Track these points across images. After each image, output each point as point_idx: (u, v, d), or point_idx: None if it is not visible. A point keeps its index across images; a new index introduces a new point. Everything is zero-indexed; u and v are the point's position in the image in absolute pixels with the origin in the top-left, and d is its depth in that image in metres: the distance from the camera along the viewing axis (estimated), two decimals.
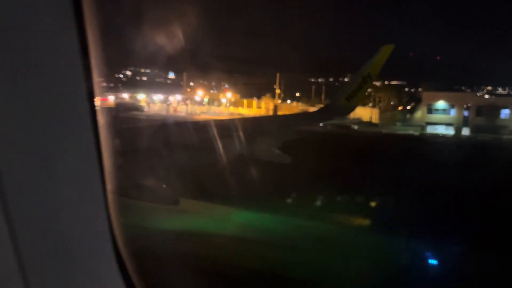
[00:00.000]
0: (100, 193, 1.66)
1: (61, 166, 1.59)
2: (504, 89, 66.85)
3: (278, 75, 63.32)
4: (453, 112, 49.39)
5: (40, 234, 1.59)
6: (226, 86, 66.08)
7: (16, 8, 1.45)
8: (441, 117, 49.31)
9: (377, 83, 67.22)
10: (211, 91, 66.69)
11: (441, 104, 49.96)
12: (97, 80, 1.66)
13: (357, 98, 11.69)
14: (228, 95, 63.89)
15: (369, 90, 72.65)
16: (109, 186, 1.71)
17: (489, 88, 67.42)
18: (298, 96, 69.90)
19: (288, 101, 65.52)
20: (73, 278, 1.67)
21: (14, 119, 1.49)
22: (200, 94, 64.08)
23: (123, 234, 1.85)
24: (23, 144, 1.51)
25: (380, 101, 68.25)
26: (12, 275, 1.55)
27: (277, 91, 63.12)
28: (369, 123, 53.74)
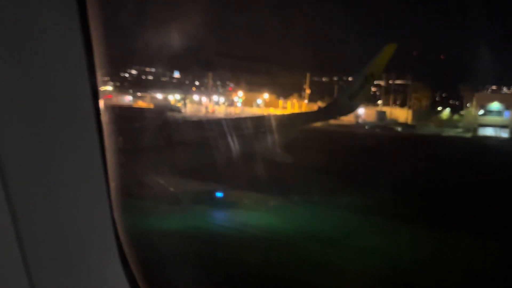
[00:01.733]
0: (104, 192, 1.65)
1: (65, 164, 1.60)
2: (508, 88, 63.34)
3: (308, 75, 65.03)
4: (508, 114, 46.44)
5: (44, 232, 1.60)
6: (246, 87, 66.51)
7: (21, 8, 1.45)
8: (495, 119, 46.44)
9: (413, 83, 66.58)
10: (246, 93, 66.90)
11: (495, 105, 47.19)
12: (103, 79, 1.65)
13: (360, 97, 11.90)
14: (265, 96, 64.31)
15: (404, 90, 71.36)
16: (113, 184, 1.70)
17: (494, 87, 63.78)
18: (321, 96, 70.09)
19: (305, 101, 66.05)
20: (77, 276, 1.68)
21: (18, 118, 1.51)
22: (239, 95, 65.18)
23: (127, 232, 1.84)
24: (28, 143, 1.54)
25: (416, 102, 66.54)
26: (17, 272, 1.56)
27: (307, 91, 63.59)
28: (407, 125, 52.10)
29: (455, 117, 57.96)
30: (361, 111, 57.83)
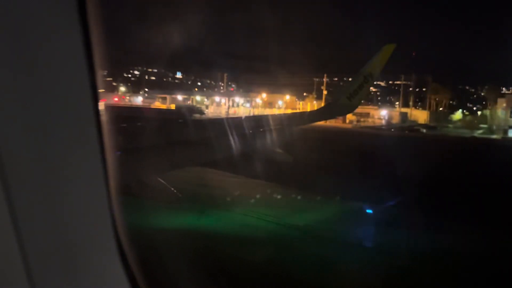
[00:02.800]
0: (104, 191, 1.66)
1: (65, 164, 1.60)
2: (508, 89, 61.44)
3: (325, 76, 67.04)
4: None
5: (44, 232, 1.60)
6: (262, 88, 66.92)
7: (20, 8, 1.45)
8: None
9: (432, 85, 65.78)
10: (268, 95, 67.15)
11: None
12: (102, 79, 1.65)
13: (359, 97, 11.91)
14: (283, 98, 64.65)
15: (423, 91, 69.96)
16: (112, 183, 1.70)
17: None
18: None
19: (323, 101, 66.75)
20: (77, 276, 1.68)
21: (19, 118, 1.51)
22: (263, 96, 66.26)
23: (127, 232, 1.84)
24: (28, 143, 1.54)
25: (435, 103, 65.24)
26: (17, 272, 1.56)
27: (324, 92, 65.67)
28: (430, 126, 50.99)
29: (468, 117, 56.74)
30: (383, 112, 57.14)
